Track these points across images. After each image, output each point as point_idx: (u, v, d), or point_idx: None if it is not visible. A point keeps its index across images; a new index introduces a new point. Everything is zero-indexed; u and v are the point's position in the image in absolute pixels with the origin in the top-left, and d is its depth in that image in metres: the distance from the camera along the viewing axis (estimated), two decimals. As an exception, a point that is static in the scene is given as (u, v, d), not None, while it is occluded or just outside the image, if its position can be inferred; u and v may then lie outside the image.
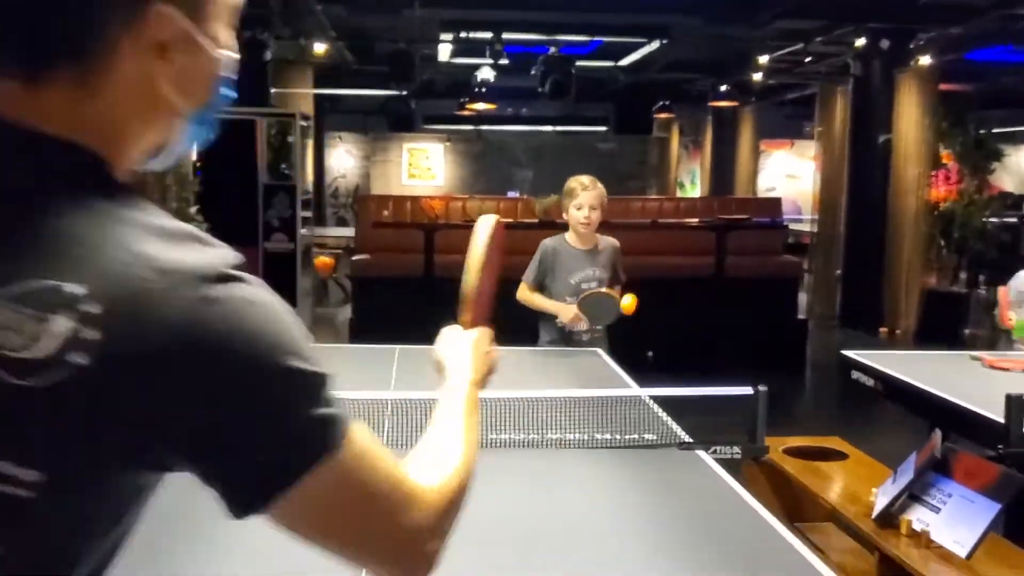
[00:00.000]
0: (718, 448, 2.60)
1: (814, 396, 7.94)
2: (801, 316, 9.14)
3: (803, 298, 10.61)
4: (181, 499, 2.03)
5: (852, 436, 3.99)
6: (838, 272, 10.70)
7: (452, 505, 0.95)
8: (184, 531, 1.93)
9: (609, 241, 4.21)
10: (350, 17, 9.89)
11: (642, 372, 3.53)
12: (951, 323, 9.21)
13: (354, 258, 8.93)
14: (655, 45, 11.38)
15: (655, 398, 2.94)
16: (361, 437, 0.86)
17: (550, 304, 4.01)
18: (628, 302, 3.95)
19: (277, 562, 1.75)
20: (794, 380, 7.96)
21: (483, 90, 12.04)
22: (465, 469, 1.03)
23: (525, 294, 4.08)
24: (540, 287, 4.11)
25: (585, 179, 4.10)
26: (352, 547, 0.88)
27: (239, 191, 8.01)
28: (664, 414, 2.83)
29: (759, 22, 9.53)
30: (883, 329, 9.76)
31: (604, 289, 3.99)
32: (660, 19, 10.41)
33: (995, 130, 10.31)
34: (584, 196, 4.04)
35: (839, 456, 3.58)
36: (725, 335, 7.75)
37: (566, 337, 4.05)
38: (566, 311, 3.93)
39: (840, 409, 6.97)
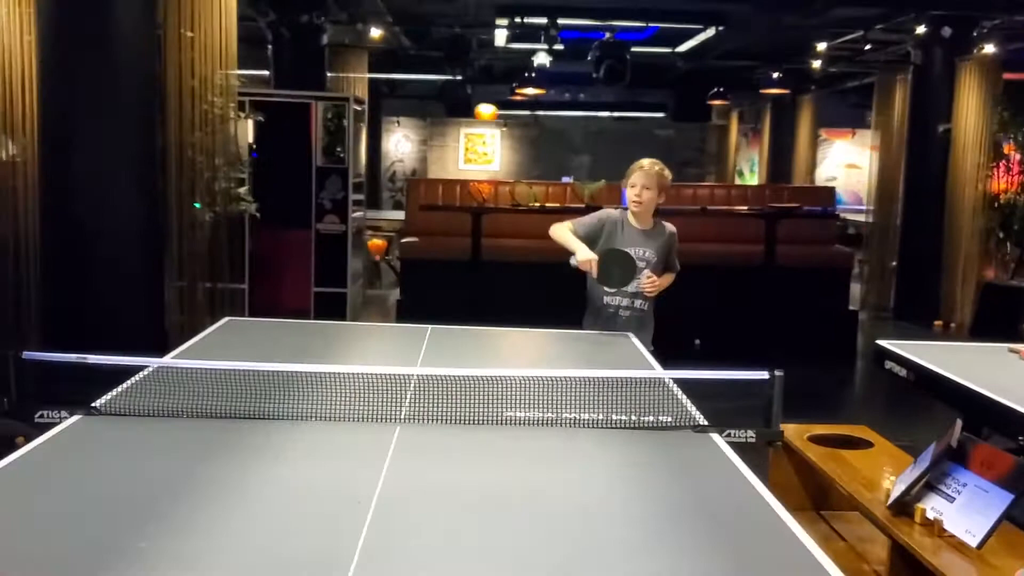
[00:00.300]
0: (732, 432, 2.63)
1: (860, 387, 7.86)
2: (853, 307, 9.04)
3: (857, 289, 10.48)
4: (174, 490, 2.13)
5: (885, 426, 3.97)
6: (893, 263, 10.55)
7: None
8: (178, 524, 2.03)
9: (668, 227, 4.24)
10: (406, 2, 10.00)
11: (689, 360, 3.54)
12: (1008, 317, 9.02)
13: (402, 240, 9.06)
14: (711, 32, 11.30)
15: (680, 383, 2.97)
16: None
17: (574, 243, 3.97)
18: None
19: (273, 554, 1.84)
20: (841, 371, 7.90)
21: (532, 75, 12.05)
22: None
23: (561, 229, 4.04)
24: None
25: (645, 161, 4.14)
26: None
27: (293, 173, 8.16)
28: (684, 397, 2.86)
29: (815, 9, 9.40)
30: (938, 322, 9.61)
31: (635, 259, 4.00)
32: (715, 6, 10.34)
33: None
34: (637, 175, 4.09)
35: (865, 445, 3.58)
36: (774, 324, 7.71)
37: (609, 319, 4.08)
38: (583, 253, 3.90)
39: (880, 399, 6.91)
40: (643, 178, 4.08)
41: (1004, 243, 9.66)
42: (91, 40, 4.92)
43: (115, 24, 4.99)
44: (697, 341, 7.71)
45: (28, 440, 2.41)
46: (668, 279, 4.18)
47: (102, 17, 4.94)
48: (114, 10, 4.98)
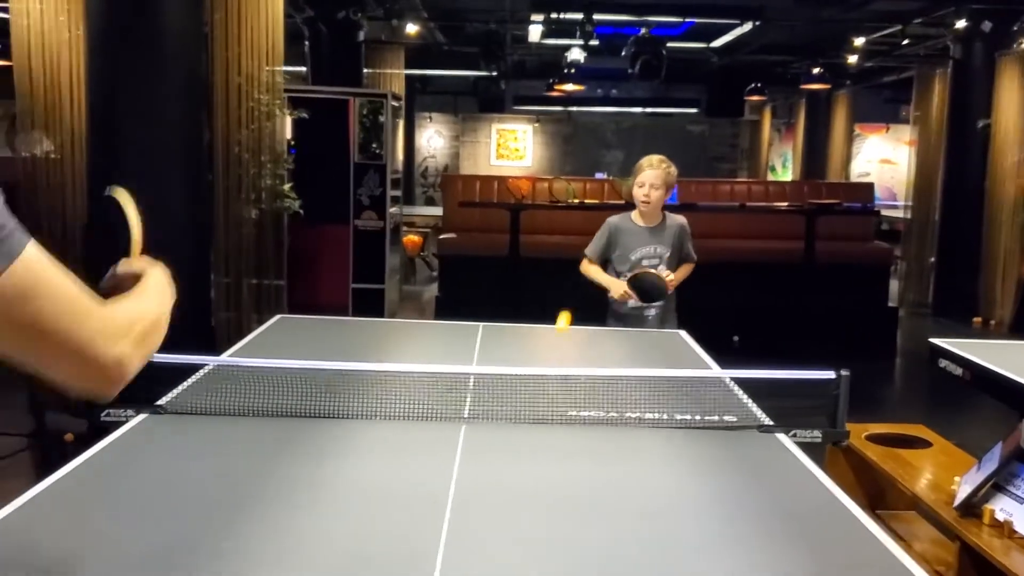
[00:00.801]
0: (798, 432, 2.61)
1: (902, 384, 7.80)
2: (892, 304, 8.97)
3: (895, 286, 10.40)
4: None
5: (939, 425, 3.94)
6: (932, 260, 10.45)
7: (133, 330, 1.17)
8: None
9: (676, 219, 4.24)
10: (442, -2, 10.01)
11: (727, 356, 3.54)
12: (1050, 315, 8.93)
13: (440, 237, 9.07)
14: (748, 27, 11.23)
15: (736, 381, 2.96)
16: (39, 257, 1.06)
17: (604, 278, 4.09)
18: (561, 325, 3.73)
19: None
20: (882, 368, 7.83)
21: (572, 71, 12.03)
22: (148, 311, 1.27)
23: (585, 266, 4.20)
24: (604, 263, 4.17)
25: (654, 158, 4.15)
26: (39, 350, 1.06)
27: (331, 169, 8.19)
28: (745, 396, 2.84)
29: (855, 2, 9.32)
30: (976, 319, 9.51)
31: (653, 270, 4.02)
32: (753, 0, 10.27)
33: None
34: (647, 174, 4.10)
35: (923, 444, 3.55)
36: (813, 321, 7.66)
37: (633, 319, 4.09)
38: (616, 286, 4.00)
39: (927, 398, 6.85)
40: (651, 177, 4.10)
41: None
42: (139, 37, 4.96)
43: (162, 21, 5.02)
44: (736, 338, 7.67)
45: (78, 437, 2.43)
46: (685, 271, 4.22)
47: (149, 14, 4.97)
48: (162, 7, 5.02)
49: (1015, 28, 9.60)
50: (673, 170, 4.16)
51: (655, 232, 4.15)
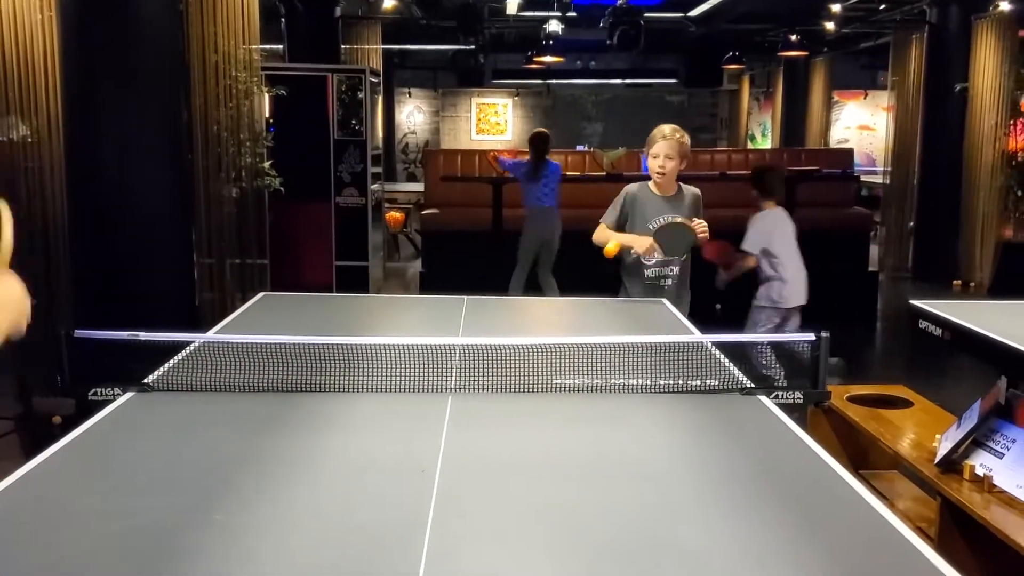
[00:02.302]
0: (780, 393, 2.65)
1: (883, 347, 7.88)
2: (872, 268, 9.03)
3: (875, 251, 10.47)
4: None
5: (920, 386, 3.99)
6: (911, 224, 10.52)
7: None
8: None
9: (691, 190, 4.26)
10: (418, -29, 9.94)
11: (710, 325, 3.56)
12: (1028, 276, 9.01)
13: (423, 212, 9.06)
14: (725, -6, 11.22)
15: (719, 346, 2.99)
16: None
17: (626, 237, 4.05)
18: (611, 246, 4.02)
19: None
20: (864, 332, 7.91)
21: (551, 43, 11.99)
22: None
23: (602, 232, 4.15)
24: (619, 231, 4.17)
25: (667, 128, 4.14)
26: None
27: (311, 146, 8.16)
28: (727, 360, 2.88)
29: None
30: (956, 282, 9.59)
31: (679, 219, 4.03)
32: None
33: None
34: (660, 145, 4.09)
35: (904, 404, 3.60)
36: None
37: (650, 288, 4.10)
38: (641, 242, 3.98)
39: (908, 360, 6.93)
40: (666, 147, 4.09)
41: (1021, 201, 9.61)
42: (113, 16, 4.90)
43: (136, 2, 4.97)
44: (718, 306, 7.70)
45: (65, 420, 2.43)
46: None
47: (124, -6, 4.92)
48: (136, -13, 4.96)
49: (991, -9, 9.63)
50: (686, 139, 4.17)
51: (672, 201, 4.16)
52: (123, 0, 4.93)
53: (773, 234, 5.42)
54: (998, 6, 9.43)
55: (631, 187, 4.23)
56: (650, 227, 4.06)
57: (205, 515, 1.78)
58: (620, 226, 4.16)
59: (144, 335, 2.68)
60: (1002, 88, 9.30)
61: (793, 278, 5.45)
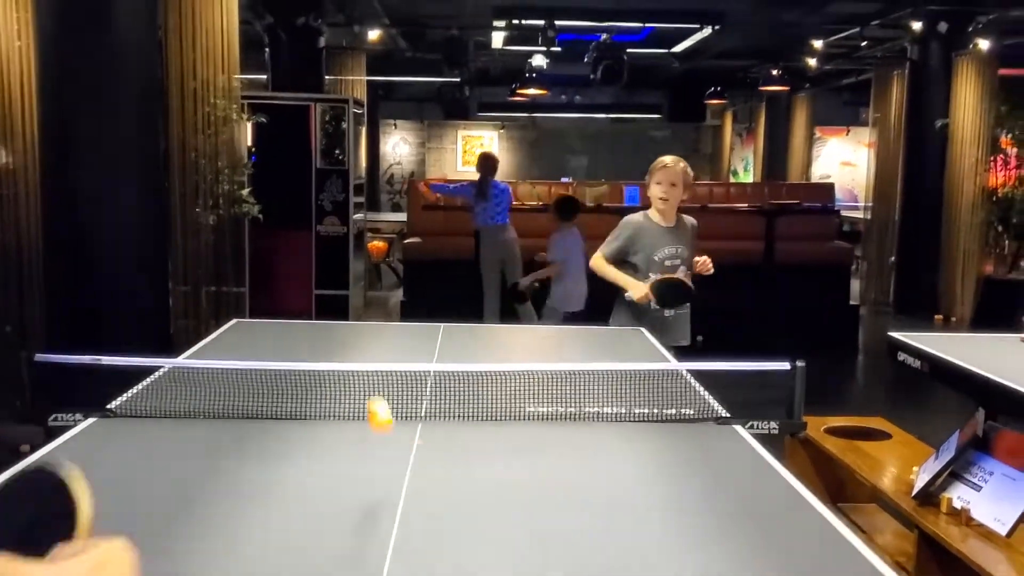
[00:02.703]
0: (755, 423, 2.61)
1: (863, 379, 7.87)
2: (854, 302, 9.04)
3: (857, 285, 10.50)
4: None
5: (898, 418, 3.96)
6: (892, 259, 10.56)
7: None
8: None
9: (689, 220, 4.26)
10: (403, 3, 9.98)
11: (690, 355, 3.53)
12: (1008, 311, 8.95)
13: (405, 241, 9.03)
14: (707, 31, 11.30)
15: (697, 376, 2.95)
16: None
17: (622, 279, 4.01)
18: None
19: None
20: (844, 364, 7.90)
21: (535, 76, 12.07)
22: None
23: (600, 265, 4.12)
24: (618, 262, 4.13)
25: (668, 159, 4.14)
26: None
27: (293, 175, 8.13)
28: (702, 389, 2.84)
29: (813, 5, 9.41)
30: (938, 316, 9.61)
31: (682, 276, 4.01)
32: (713, 4, 10.34)
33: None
34: (663, 173, 4.08)
35: (882, 436, 3.57)
36: (776, 320, 7.70)
37: (653, 321, 4.06)
38: (637, 288, 3.93)
39: (887, 392, 6.92)
40: (669, 176, 4.08)
41: (1002, 237, 9.67)
42: (90, 42, 4.87)
43: (115, 26, 4.94)
44: (700, 338, 7.68)
45: (33, 449, 2.37)
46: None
47: (102, 19, 4.89)
48: (114, 12, 4.94)
49: (970, 29, 9.73)
50: (689, 169, 4.18)
51: (674, 232, 4.13)
52: (100, 26, 4.90)
53: (571, 249, 6.59)
54: (977, 44, 9.54)
55: (632, 218, 4.20)
56: (655, 258, 4.04)
57: (157, 542, 1.72)
58: (621, 257, 4.10)
59: (107, 360, 2.63)
60: (982, 124, 9.38)
61: (574, 287, 6.55)
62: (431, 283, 8.17)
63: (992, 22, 9.76)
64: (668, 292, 3.94)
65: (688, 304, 4.16)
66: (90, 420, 2.47)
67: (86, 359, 2.63)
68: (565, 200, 6.95)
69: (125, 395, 2.64)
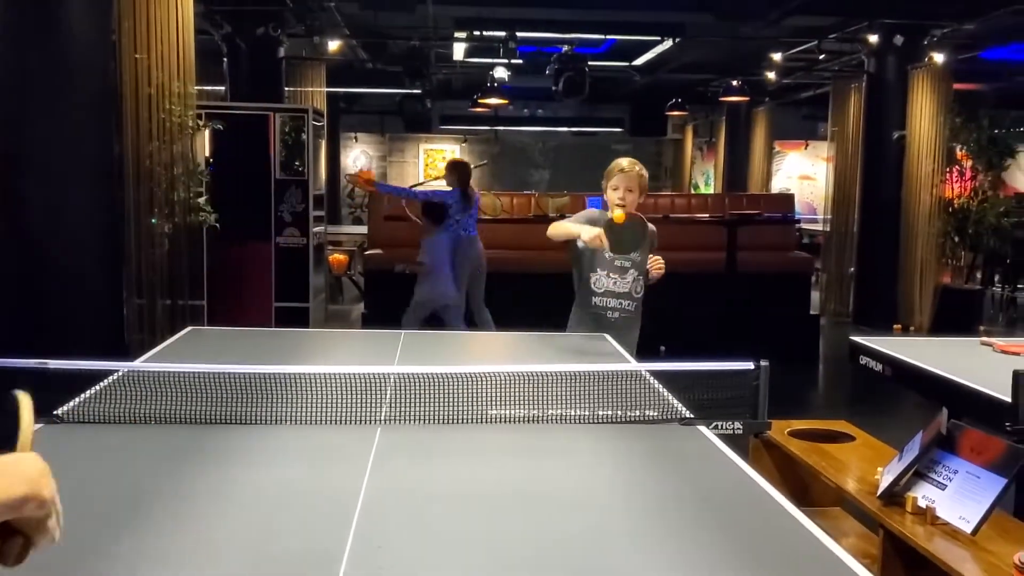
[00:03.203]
0: (719, 424, 2.58)
1: (825, 386, 7.92)
2: (815, 312, 9.10)
3: (818, 296, 10.58)
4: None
5: (861, 422, 3.96)
6: (851, 270, 10.65)
7: None
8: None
9: (650, 226, 4.22)
10: (363, 13, 9.93)
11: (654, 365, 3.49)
12: (966, 320, 9.15)
13: (367, 252, 8.95)
14: (668, 44, 11.38)
15: (659, 378, 2.92)
16: None
17: (577, 226, 3.93)
18: (618, 213, 3.88)
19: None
20: (806, 373, 7.94)
21: (496, 86, 12.07)
22: None
23: (559, 224, 4.07)
24: (571, 255, 4.09)
25: (624, 162, 4.10)
26: None
27: (251, 185, 8.03)
28: (666, 391, 2.81)
29: (771, 18, 9.50)
30: (897, 326, 9.70)
31: (636, 214, 3.96)
32: (672, 17, 10.41)
33: (1009, 130, 10.22)
34: (620, 178, 4.04)
35: (846, 438, 3.56)
36: (737, 330, 7.72)
37: (597, 320, 4.02)
38: (588, 231, 3.85)
39: (850, 398, 6.98)
40: (625, 180, 4.04)
41: (958, 247, 9.79)
42: (43, 46, 4.77)
43: (67, 31, 4.85)
44: (662, 348, 7.68)
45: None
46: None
47: (53, 21, 4.79)
48: (66, 16, 4.84)
49: (925, 42, 9.87)
50: (645, 173, 4.13)
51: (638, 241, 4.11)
52: (53, 30, 4.81)
53: (436, 251, 7.04)
54: (932, 57, 9.67)
55: (592, 210, 4.18)
56: (606, 255, 4.00)
57: (103, 546, 1.66)
58: (574, 234, 4.05)
59: (54, 364, 2.54)
60: (938, 136, 9.50)
61: (437, 284, 7.00)
62: (393, 295, 8.07)
63: (946, 36, 9.91)
64: (622, 232, 3.86)
65: (639, 311, 4.11)
66: (36, 426, 2.38)
67: (32, 363, 2.54)
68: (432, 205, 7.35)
69: (72, 401, 2.56)
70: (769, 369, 2.66)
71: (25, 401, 1.26)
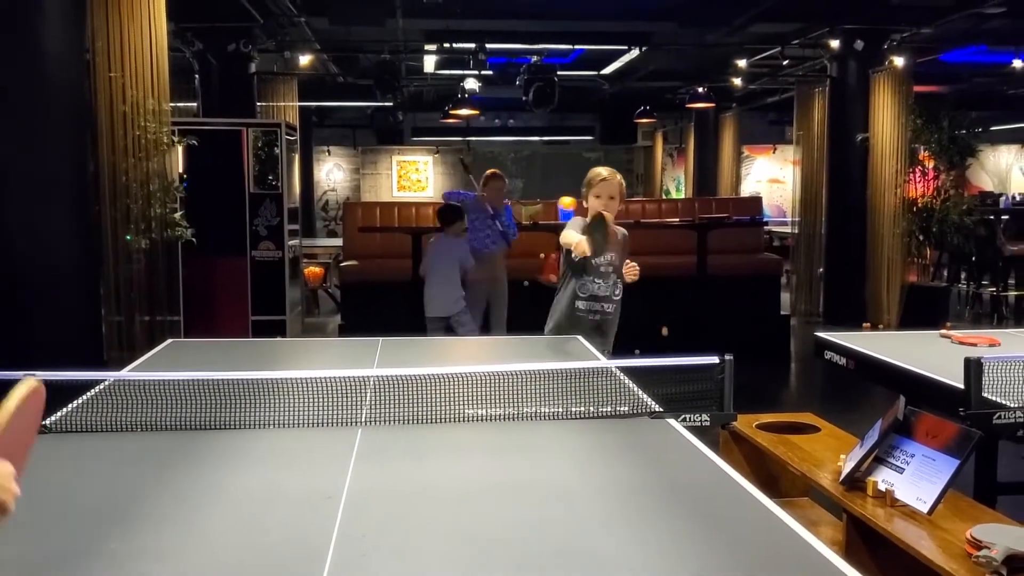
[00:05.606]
0: (687, 416, 2.69)
1: (795, 383, 8.07)
2: (785, 312, 9.25)
3: (788, 297, 10.75)
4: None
5: (827, 414, 4.08)
6: (820, 270, 10.83)
7: None
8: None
9: (621, 231, 4.35)
10: (333, 28, 10.02)
11: (654, 349, 3.59)
12: (933, 317, 9.32)
13: (341, 264, 9.01)
14: (635, 53, 11.53)
15: (630, 375, 3.02)
16: None
17: (574, 238, 4.06)
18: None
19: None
20: (776, 371, 8.09)
21: (467, 97, 12.18)
22: None
23: (564, 233, 4.21)
24: (569, 262, 4.23)
25: (604, 171, 4.24)
26: None
27: (226, 200, 8.09)
28: (635, 387, 2.91)
29: (735, 25, 9.68)
30: (866, 324, 9.85)
31: (604, 261, 4.09)
32: (639, 26, 10.57)
33: (969, 130, 10.42)
34: (603, 186, 4.19)
35: (812, 430, 3.68)
36: (709, 332, 7.81)
37: (579, 322, 4.14)
38: (580, 243, 3.98)
39: (818, 393, 7.14)
40: (608, 188, 4.18)
41: (924, 246, 9.99)
42: (16, 63, 4.80)
43: (42, 50, 4.88)
44: (637, 351, 7.79)
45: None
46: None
47: (29, 43, 4.83)
48: (40, 36, 4.88)
49: (885, 46, 10.08)
50: (623, 181, 4.30)
51: (611, 241, 4.23)
52: (28, 49, 4.85)
53: (434, 256, 7.11)
54: (892, 61, 9.88)
55: (577, 220, 4.32)
56: (593, 261, 4.13)
57: (100, 545, 1.73)
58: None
59: (41, 374, 2.60)
60: (900, 138, 9.69)
61: (436, 292, 7.01)
62: (369, 306, 8.16)
63: (906, 40, 10.13)
64: (595, 234, 4.00)
65: (617, 313, 4.25)
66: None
67: (18, 374, 2.60)
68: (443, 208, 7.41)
69: (58, 412, 2.62)
70: (734, 363, 2.77)
71: (22, 387, 1.31)
